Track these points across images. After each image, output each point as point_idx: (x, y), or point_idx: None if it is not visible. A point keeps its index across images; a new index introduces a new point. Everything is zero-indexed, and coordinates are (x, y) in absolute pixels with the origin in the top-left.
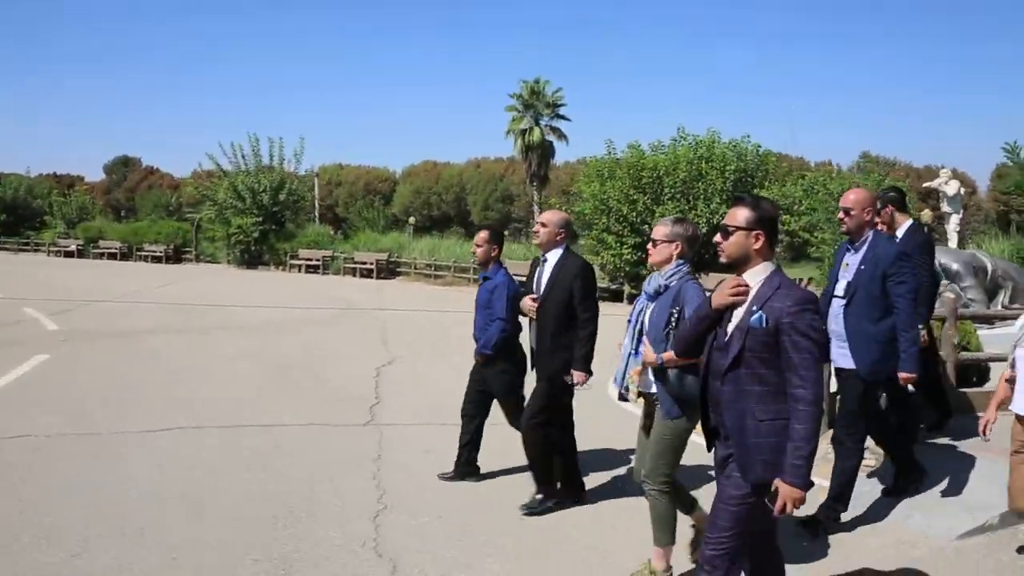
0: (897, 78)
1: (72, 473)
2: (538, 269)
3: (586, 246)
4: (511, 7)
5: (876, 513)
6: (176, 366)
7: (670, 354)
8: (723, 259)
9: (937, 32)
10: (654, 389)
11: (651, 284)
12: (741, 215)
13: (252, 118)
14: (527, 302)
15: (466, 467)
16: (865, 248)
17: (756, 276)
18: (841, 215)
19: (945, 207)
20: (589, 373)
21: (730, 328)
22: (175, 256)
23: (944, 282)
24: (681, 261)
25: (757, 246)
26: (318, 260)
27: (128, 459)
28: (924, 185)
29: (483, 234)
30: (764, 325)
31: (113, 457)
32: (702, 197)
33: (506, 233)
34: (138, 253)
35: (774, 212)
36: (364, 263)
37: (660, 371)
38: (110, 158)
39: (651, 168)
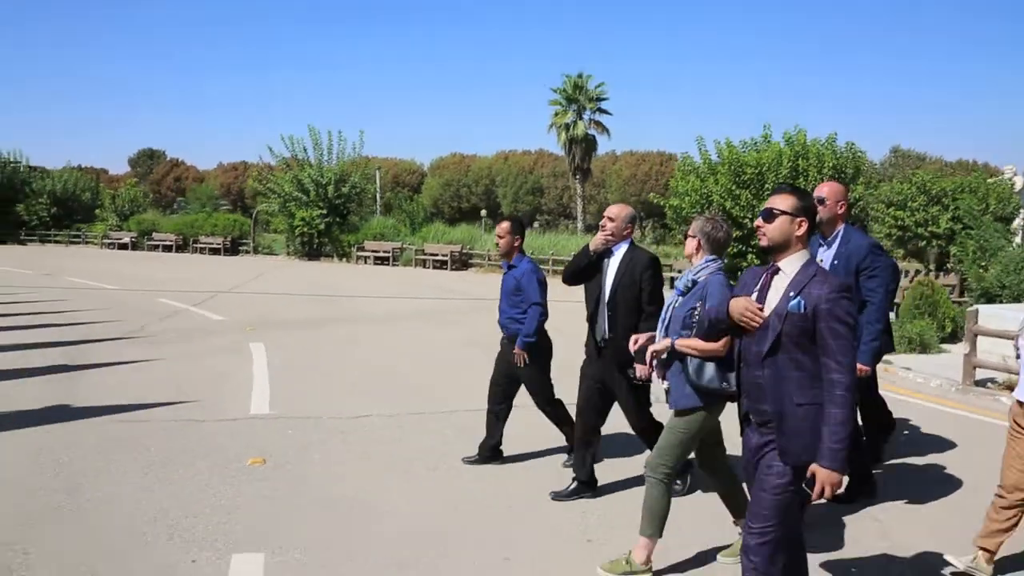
0: (928, 70)
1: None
2: (604, 262)
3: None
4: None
5: None
6: (412, 352)
7: (686, 340)
8: (763, 243)
9: (973, 27)
10: (665, 384)
11: (682, 280)
12: (787, 201)
13: (275, 111)
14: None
15: (492, 451)
16: (838, 242)
17: (793, 263)
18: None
19: None
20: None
21: (765, 313)
22: (232, 248)
23: None
24: (711, 257)
25: (799, 232)
26: (387, 252)
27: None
28: (990, 180)
29: (505, 225)
30: (802, 310)
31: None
32: None
33: (536, 225)
34: (194, 245)
35: (815, 204)
36: (435, 255)
37: (679, 360)
38: (133, 151)
39: (753, 165)
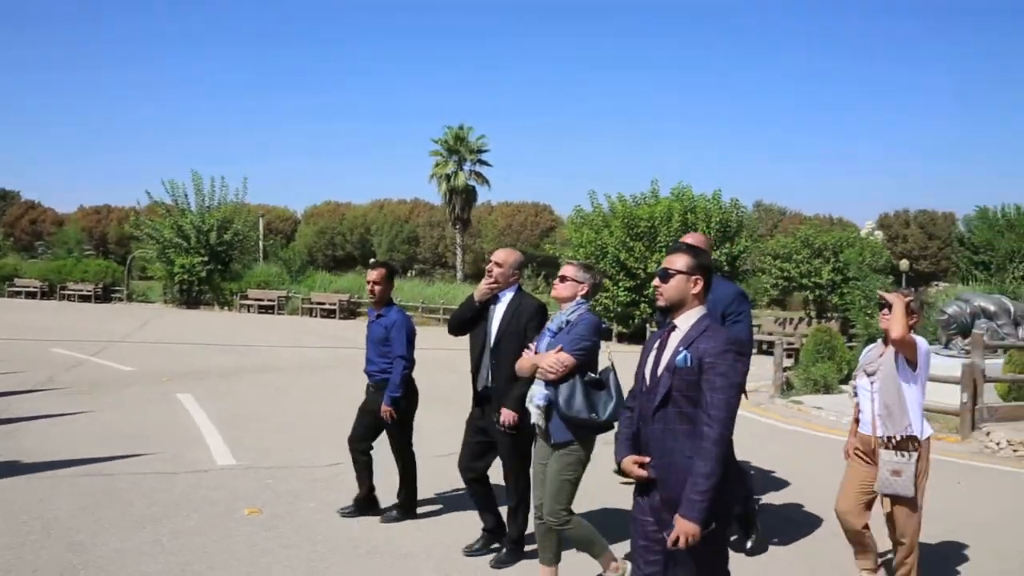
0: (785, 126)
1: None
2: (490, 309)
3: None
4: (420, 50)
5: None
6: (342, 399)
7: (548, 355)
8: (660, 302)
9: (824, 77)
10: (534, 416)
11: (555, 322)
12: (682, 260)
13: (141, 151)
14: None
15: (367, 501)
16: None
17: (688, 319)
18: None
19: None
20: (518, 413)
21: (659, 370)
22: (104, 295)
23: (983, 321)
24: (583, 300)
25: (696, 290)
26: (271, 300)
27: None
28: (863, 235)
29: (380, 271)
30: (689, 364)
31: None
32: None
33: (411, 273)
34: (62, 292)
35: (709, 260)
36: (323, 303)
37: (553, 392)
38: None
39: (647, 219)
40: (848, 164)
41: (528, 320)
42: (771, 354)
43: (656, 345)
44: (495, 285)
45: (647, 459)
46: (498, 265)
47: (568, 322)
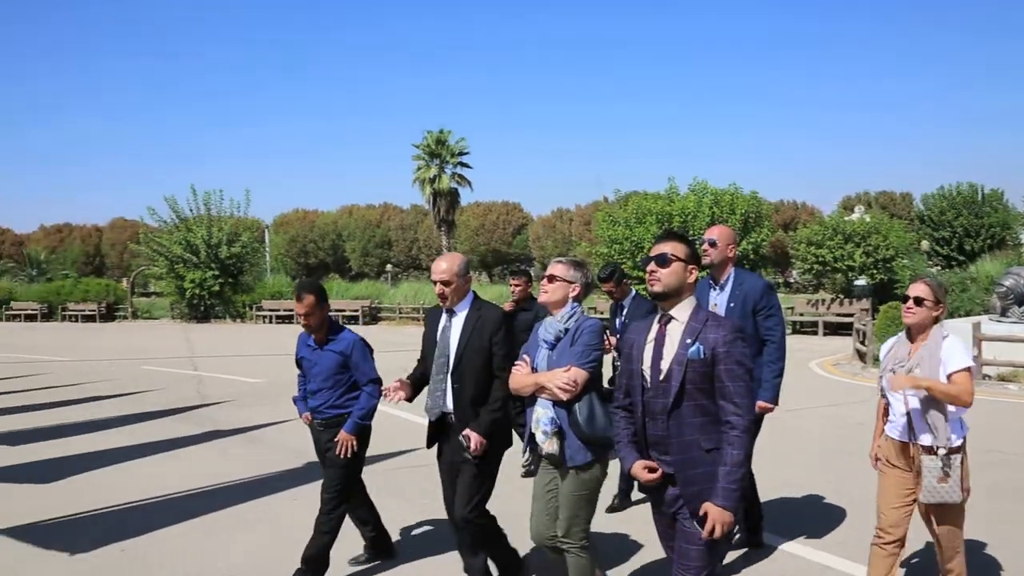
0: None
1: None
2: (442, 323)
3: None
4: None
5: None
6: None
7: (573, 371)
8: (656, 288)
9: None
10: (543, 443)
11: (549, 331)
12: (680, 248)
13: (99, 169)
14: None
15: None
16: (731, 285)
17: (684, 310)
18: (706, 247)
19: None
20: (486, 439)
21: (663, 364)
22: (108, 315)
23: None
24: (576, 304)
25: (690, 280)
26: (289, 310)
27: None
28: (846, 219)
29: (308, 301)
30: (702, 356)
31: None
32: None
33: (385, 277)
34: (63, 313)
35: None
36: (343, 311)
37: (568, 414)
38: None
39: (679, 213)
40: (799, 150)
41: (493, 333)
42: (814, 333)
43: (653, 337)
44: (444, 303)
45: (655, 465)
46: (445, 284)
47: (566, 331)
